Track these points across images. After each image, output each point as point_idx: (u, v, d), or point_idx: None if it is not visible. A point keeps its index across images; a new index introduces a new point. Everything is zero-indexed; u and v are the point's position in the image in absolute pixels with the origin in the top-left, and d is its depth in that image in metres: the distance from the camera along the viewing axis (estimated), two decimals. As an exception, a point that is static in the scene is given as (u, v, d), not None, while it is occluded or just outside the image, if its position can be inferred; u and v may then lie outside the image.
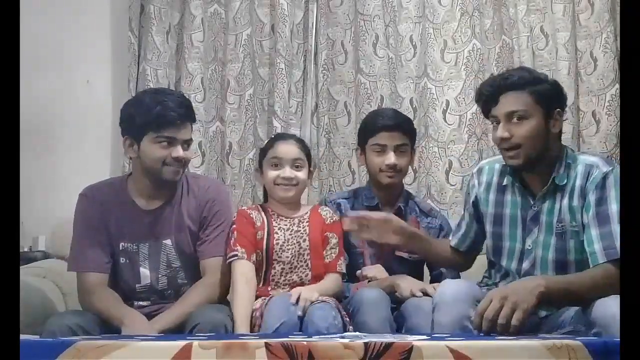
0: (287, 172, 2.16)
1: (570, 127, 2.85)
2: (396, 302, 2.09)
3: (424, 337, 1.45)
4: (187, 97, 2.22)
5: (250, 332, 1.94)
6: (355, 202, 2.36)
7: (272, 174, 2.18)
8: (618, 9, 2.83)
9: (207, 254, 2.11)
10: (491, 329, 1.55)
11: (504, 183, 1.96)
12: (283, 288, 2.12)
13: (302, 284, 2.11)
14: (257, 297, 2.06)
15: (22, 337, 1.35)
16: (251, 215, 2.17)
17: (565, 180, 1.85)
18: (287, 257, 2.13)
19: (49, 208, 2.91)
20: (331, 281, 2.13)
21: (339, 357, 1.24)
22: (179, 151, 2.03)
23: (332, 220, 2.22)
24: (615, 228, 1.73)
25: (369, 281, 2.18)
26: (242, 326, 1.93)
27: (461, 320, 1.70)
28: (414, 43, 3.03)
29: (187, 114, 2.06)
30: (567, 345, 1.25)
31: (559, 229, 1.85)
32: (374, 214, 2.07)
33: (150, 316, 2.00)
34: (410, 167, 2.43)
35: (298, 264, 2.14)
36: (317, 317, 1.88)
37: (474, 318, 1.60)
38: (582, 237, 1.80)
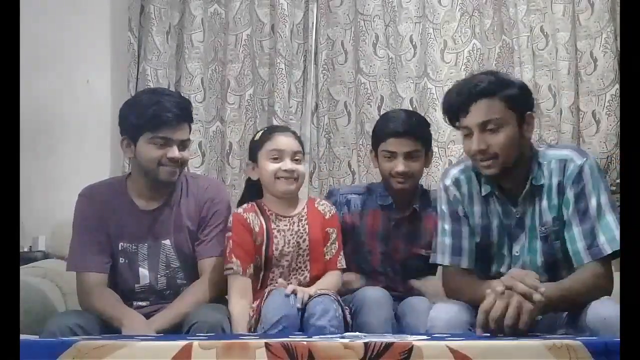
0: (289, 164, 2.10)
1: (570, 127, 2.86)
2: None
3: (424, 337, 1.45)
4: (185, 97, 2.21)
5: (249, 327, 1.94)
6: (368, 199, 2.32)
7: (272, 166, 2.10)
8: (618, 9, 2.84)
9: (205, 253, 2.11)
10: (497, 329, 1.51)
11: (483, 193, 1.88)
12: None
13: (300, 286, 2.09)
14: (254, 300, 2.03)
15: (22, 337, 1.35)
16: (248, 221, 2.10)
17: (543, 180, 1.81)
18: (287, 260, 2.11)
19: (49, 208, 2.91)
20: (331, 279, 2.12)
21: (339, 357, 1.24)
22: (174, 152, 2.03)
23: (331, 215, 2.20)
24: (597, 223, 1.72)
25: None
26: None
27: None
28: (414, 43, 3.03)
29: (183, 114, 2.05)
30: (567, 345, 1.25)
31: (542, 232, 1.82)
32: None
33: (149, 316, 2.00)
34: (425, 168, 2.33)
35: (297, 265, 2.13)
36: (319, 311, 1.85)
37: (478, 316, 1.55)
38: (565, 235, 1.77)
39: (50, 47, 3.07)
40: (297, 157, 2.13)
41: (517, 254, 1.86)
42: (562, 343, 1.25)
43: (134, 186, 2.13)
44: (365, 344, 1.25)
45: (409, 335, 1.50)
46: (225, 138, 3.08)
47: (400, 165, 2.18)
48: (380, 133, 2.24)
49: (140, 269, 2.10)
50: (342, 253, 2.18)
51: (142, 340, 1.38)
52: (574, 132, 2.87)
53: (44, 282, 2.34)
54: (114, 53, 3.18)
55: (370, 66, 3.04)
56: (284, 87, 3.03)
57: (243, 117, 3.09)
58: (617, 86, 2.82)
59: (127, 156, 2.13)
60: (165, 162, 2.03)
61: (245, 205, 2.17)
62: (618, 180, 2.78)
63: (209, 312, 1.92)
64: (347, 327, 1.93)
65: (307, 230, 2.15)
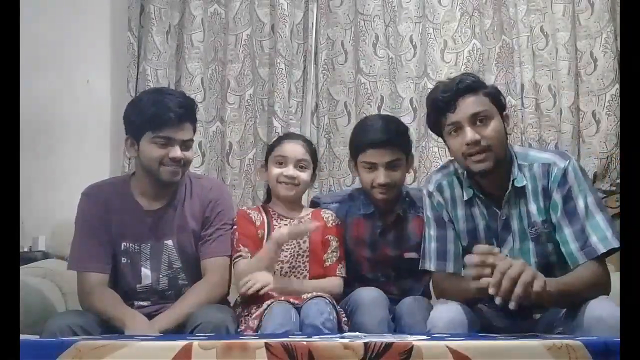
0: (291, 170, 2.17)
1: (570, 127, 2.86)
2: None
3: (424, 337, 1.45)
4: (189, 97, 2.20)
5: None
6: (351, 207, 2.28)
7: (275, 171, 2.19)
8: (618, 9, 2.84)
9: (208, 253, 2.11)
10: (508, 292, 1.50)
11: (466, 197, 1.90)
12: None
13: None
14: (253, 305, 2.02)
15: (22, 337, 1.34)
16: (250, 215, 2.18)
17: (525, 182, 1.83)
18: (286, 256, 2.13)
19: (49, 208, 2.91)
20: (329, 282, 2.12)
21: (339, 357, 1.24)
22: (176, 151, 2.02)
23: (334, 223, 2.22)
24: (587, 223, 1.74)
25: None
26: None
27: None
28: (414, 43, 3.03)
29: (185, 114, 2.05)
30: (567, 345, 1.25)
31: (533, 234, 1.84)
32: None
33: (150, 316, 2.00)
34: (407, 174, 2.27)
35: (297, 264, 2.15)
36: (313, 312, 1.87)
37: (494, 277, 1.52)
38: (556, 238, 1.79)
39: (50, 47, 3.07)
40: (301, 165, 2.18)
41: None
42: (562, 343, 1.25)
43: (137, 186, 2.13)
44: (365, 344, 1.25)
45: (409, 335, 1.51)
46: (225, 138, 3.08)
47: (381, 177, 2.12)
48: (359, 144, 2.16)
49: (143, 269, 2.10)
50: (343, 262, 2.18)
51: (142, 340, 1.38)
52: (574, 132, 2.87)
53: (44, 282, 2.34)
54: (114, 53, 3.18)
55: (370, 66, 3.04)
56: (284, 87, 3.03)
57: (243, 117, 3.09)
58: (617, 86, 2.82)
59: (130, 155, 2.13)
60: (167, 162, 2.03)
61: (250, 206, 2.23)
62: (618, 180, 2.78)
63: (212, 312, 1.91)
64: (342, 331, 1.92)
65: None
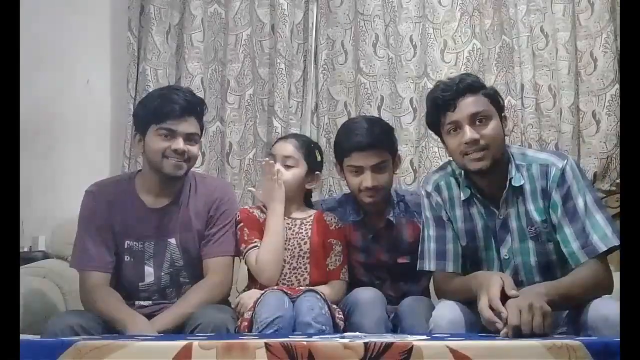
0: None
1: (570, 127, 2.86)
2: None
3: (424, 337, 1.45)
4: (197, 95, 2.21)
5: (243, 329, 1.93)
6: (340, 214, 2.25)
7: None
8: (618, 9, 2.84)
9: (211, 253, 2.11)
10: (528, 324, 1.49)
11: (463, 197, 1.90)
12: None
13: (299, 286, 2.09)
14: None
15: (22, 337, 1.34)
16: (254, 213, 2.19)
17: (523, 181, 1.84)
18: (287, 256, 2.13)
19: (49, 208, 2.91)
20: (332, 287, 2.11)
21: (339, 357, 1.24)
22: (179, 143, 2.02)
23: (336, 227, 2.21)
24: (586, 221, 1.75)
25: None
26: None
27: None
28: (414, 43, 3.03)
29: (189, 107, 2.06)
30: (567, 345, 1.25)
31: (532, 233, 1.84)
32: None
33: (150, 317, 1.99)
34: (395, 174, 2.24)
35: (297, 265, 2.14)
36: (305, 308, 1.86)
37: (505, 328, 1.49)
38: (556, 238, 1.80)
39: (50, 47, 3.06)
40: (287, 163, 2.17)
41: (506, 257, 1.87)
42: (562, 343, 1.25)
43: (142, 183, 2.12)
44: (365, 344, 1.25)
45: (409, 335, 1.51)
46: (225, 138, 3.08)
47: (368, 180, 2.10)
48: (344, 147, 2.14)
49: (146, 267, 2.10)
50: (346, 266, 2.17)
51: (142, 340, 1.38)
52: (574, 132, 2.87)
53: (44, 282, 2.34)
54: (114, 53, 3.18)
55: (370, 66, 3.04)
56: (284, 87, 3.03)
57: (243, 117, 3.09)
58: (617, 86, 2.82)
59: (138, 152, 2.14)
60: (170, 153, 2.02)
61: (251, 206, 2.28)
62: (618, 180, 2.78)
63: (213, 313, 1.91)
64: (338, 329, 1.93)
65: (309, 234, 2.16)
